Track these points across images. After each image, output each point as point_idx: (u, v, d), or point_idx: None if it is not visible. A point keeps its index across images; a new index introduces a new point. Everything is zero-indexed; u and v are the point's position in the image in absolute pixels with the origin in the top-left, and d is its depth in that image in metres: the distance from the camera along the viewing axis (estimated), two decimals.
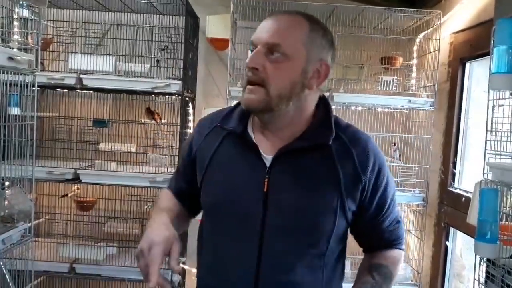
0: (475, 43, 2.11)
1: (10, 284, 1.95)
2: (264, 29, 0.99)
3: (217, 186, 1.07)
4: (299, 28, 1.00)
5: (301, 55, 0.99)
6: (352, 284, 1.11)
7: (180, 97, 2.56)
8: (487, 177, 1.40)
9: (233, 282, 1.04)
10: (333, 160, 1.03)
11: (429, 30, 2.54)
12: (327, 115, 1.07)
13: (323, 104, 1.10)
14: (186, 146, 1.18)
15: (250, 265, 1.02)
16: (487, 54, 1.97)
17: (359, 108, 2.69)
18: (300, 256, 1.03)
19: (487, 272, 1.46)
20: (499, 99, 1.39)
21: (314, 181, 1.03)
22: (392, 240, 1.15)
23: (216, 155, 1.08)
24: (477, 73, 2.22)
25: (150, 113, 2.72)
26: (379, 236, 1.14)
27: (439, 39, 2.42)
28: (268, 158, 1.03)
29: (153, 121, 2.73)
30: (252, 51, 1.00)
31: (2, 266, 1.92)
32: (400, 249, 1.17)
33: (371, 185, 1.06)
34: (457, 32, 2.29)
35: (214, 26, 2.75)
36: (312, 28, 1.01)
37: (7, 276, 1.94)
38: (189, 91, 2.73)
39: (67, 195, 2.78)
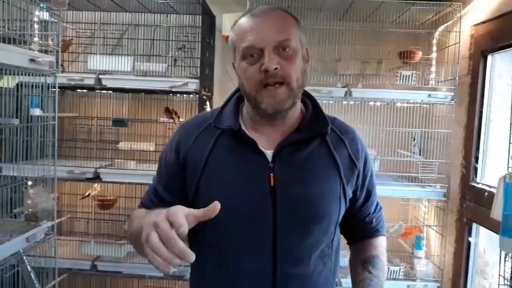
0: (496, 35, 2.06)
1: (35, 281, 2.00)
2: (265, 30, 0.99)
3: (218, 188, 1.03)
4: (291, 21, 1.04)
5: (299, 45, 1.04)
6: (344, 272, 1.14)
7: (197, 95, 2.57)
8: None
9: (250, 283, 1.03)
10: (329, 149, 1.08)
11: (449, 23, 2.49)
12: (317, 107, 1.13)
13: (307, 96, 1.15)
14: (170, 152, 1.11)
15: (267, 263, 1.01)
16: (509, 46, 1.94)
17: (378, 103, 2.67)
18: (314, 246, 1.06)
19: None
20: None
21: (317, 171, 1.06)
22: (378, 226, 1.22)
23: (211, 156, 1.05)
24: (499, 65, 2.17)
25: (168, 112, 2.74)
26: (367, 223, 1.20)
27: (460, 32, 2.37)
28: (268, 153, 1.05)
29: (171, 120, 2.74)
30: (252, 55, 1.00)
31: (27, 264, 1.96)
32: (384, 235, 1.24)
33: (362, 172, 1.13)
34: (478, 24, 2.24)
35: (231, 24, 2.73)
36: (295, 19, 1.06)
37: (31, 274, 1.99)
38: (207, 90, 2.74)
39: (89, 195, 2.82)
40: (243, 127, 1.07)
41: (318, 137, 1.08)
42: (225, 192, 1.02)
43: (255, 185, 1.02)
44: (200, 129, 1.09)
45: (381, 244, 1.21)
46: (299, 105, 1.10)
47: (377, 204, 1.23)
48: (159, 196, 1.11)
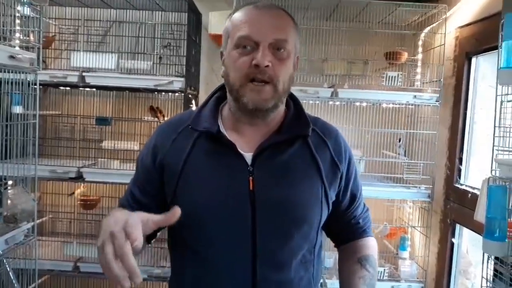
0: (481, 37, 2.08)
1: (15, 283, 1.95)
2: (265, 25, 0.97)
3: (196, 192, 1.00)
4: (291, 23, 1.02)
5: (293, 50, 1.01)
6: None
7: (183, 94, 2.54)
8: (495, 173, 1.38)
9: (230, 286, 1.01)
10: (311, 151, 1.05)
11: (434, 25, 2.51)
12: (299, 107, 1.10)
13: (290, 96, 1.12)
14: (147, 155, 1.08)
15: (246, 267, 0.99)
16: (494, 48, 1.96)
17: (364, 104, 2.67)
18: (295, 252, 1.03)
19: (495, 269, 1.44)
20: (508, 94, 1.37)
21: (298, 174, 1.03)
22: (365, 226, 1.19)
23: (189, 159, 1.02)
24: (483, 67, 2.19)
25: (153, 110, 2.71)
26: (353, 224, 1.18)
27: (445, 34, 2.39)
28: (247, 156, 1.02)
29: (155, 119, 2.71)
30: (245, 47, 0.97)
31: (7, 265, 1.92)
32: (372, 235, 1.21)
33: (345, 173, 1.10)
34: (463, 26, 2.26)
35: (217, 22, 2.73)
36: (294, 23, 1.03)
37: (11, 275, 1.95)
38: (192, 88, 2.71)
39: (74, 193, 2.78)
40: (222, 129, 1.04)
41: (299, 138, 1.05)
42: (203, 196, 0.99)
43: (234, 189, 1.00)
44: (177, 131, 1.06)
45: (372, 245, 1.19)
46: (282, 108, 1.08)
47: (364, 205, 1.21)
48: (135, 199, 1.08)
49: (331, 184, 1.07)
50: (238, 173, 1.01)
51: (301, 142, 1.06)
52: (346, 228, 1.18)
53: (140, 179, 1.10)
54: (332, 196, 1.09)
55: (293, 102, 1.11)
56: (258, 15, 0.98)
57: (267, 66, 0.95)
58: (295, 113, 1.09)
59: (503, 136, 1.38)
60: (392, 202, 2.73)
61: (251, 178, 1.00)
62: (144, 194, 1.08)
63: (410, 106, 2.67)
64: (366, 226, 1.20)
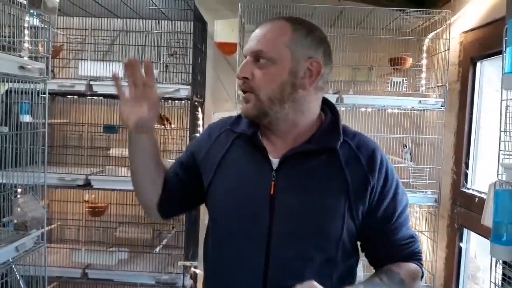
0: (485, 42, 2.09)
1: None
2: (251, 40, 1.05)
3: (225, 189, 1.08)
4: (281, 31, 1.03)
5: (286, 57, 1.01)
6: None
7: (189, 102, 2.57)
8: (502, 178, 1.38)
9: (240, 286, 1.03)
10: (340, 164, 1.04)
11: (438, 30, 2.52)
12: (335, 120, 1.09)
13: (330, 108, 1.12)
14: (195, 145, 1.20)
15: (258, 269, 1.01)
16: (498, 53, 1.96)
17: (369, 110, 2.68)
18: (308, 261, 1.01)
19: (503, 274, 1.44)
20: None
21: (321, 185, 1.03)
22: (406, 255, 1.09)
23: (225, 158, 1.09)
24: (488, 72, 2.19)
25: (160, 118, 2.73)
26: (390, 249, 1.09)
27: (449, 39, 2.40)
28: (275, 161, 1.05)
29: (162, 127, 2.73)
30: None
31: (16, 273, 1.93)
32: (417, 264, 1.10)
33: (379, 188, 1.05)
34: (467, 31, 2.27)
35: (222, 30, 2.75)
36: (294, 29, 1.03)
37: (21, 282, 1.96)
38: (198, 96, 2.74)
39: (87, 201, 2.83)
40: (259, 134, 1.08)
41: (328, 150, 1.04)
42: (229, 194, 1.06)
43: (256, 191, 1.04)
44: (221, 130, 1.15)
45: (408, 266, 1.07)
46: (302, 113, 1.05)
47: (409, 233, 1.10)
48: (178, 168, 1.18)
49: (360, 199, 1.03)
50: (262, 176, 1.04)
51: (330, 154, 1.04)
52: (381, 251, 1.10)
53: (183, 155, 1.21)
54: (360, 213, 1.04)
55: (331, 112, 1.11)
56: (254, 32, 1.05)
57: (245, 77, 1.02)
58: (330, 125, 1.08)
59: (509, 141, 1.39)
60: None
61: (273, 183, 1.03)
62: (182, 168, 1.18)
63: (415, 111, 2.67)
64: (405, 253, 1.09)
